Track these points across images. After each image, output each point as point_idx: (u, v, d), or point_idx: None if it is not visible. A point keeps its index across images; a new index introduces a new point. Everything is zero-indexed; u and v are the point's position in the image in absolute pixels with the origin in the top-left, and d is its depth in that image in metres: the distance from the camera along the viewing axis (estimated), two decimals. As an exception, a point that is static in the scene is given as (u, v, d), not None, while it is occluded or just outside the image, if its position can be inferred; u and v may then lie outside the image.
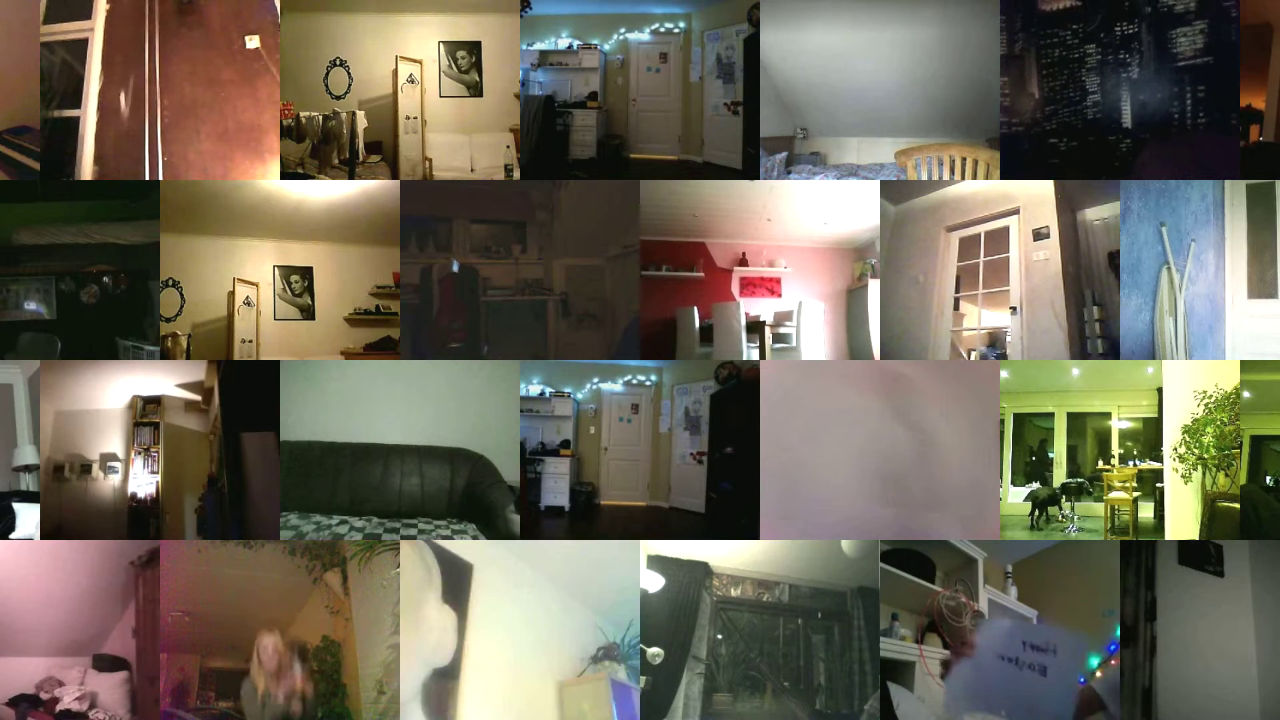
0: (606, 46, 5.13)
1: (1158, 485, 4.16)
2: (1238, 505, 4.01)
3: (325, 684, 3.93)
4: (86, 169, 4.01)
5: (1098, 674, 4.47)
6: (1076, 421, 4.56)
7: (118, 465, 4.30)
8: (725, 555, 4.22)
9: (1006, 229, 4.51)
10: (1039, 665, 3.86)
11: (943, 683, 4.04)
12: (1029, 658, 3.88)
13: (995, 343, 4.55)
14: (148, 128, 4.00)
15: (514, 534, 4.19)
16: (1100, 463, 4.40)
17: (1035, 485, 4.46)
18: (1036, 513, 4.41)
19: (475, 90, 4.71)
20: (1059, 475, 4.51)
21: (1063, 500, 4.42)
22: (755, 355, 4.77)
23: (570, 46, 5.07)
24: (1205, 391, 4.05)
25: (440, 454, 4.67)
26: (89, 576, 4.13)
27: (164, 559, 3.99)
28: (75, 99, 4.04)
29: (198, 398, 4.35)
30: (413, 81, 4.68)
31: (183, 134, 4.08)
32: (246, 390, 4.15)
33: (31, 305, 4.28)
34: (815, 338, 4.97)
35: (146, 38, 4.00)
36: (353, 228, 4.44)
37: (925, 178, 4.41)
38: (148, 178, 4.03)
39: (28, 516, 4.04)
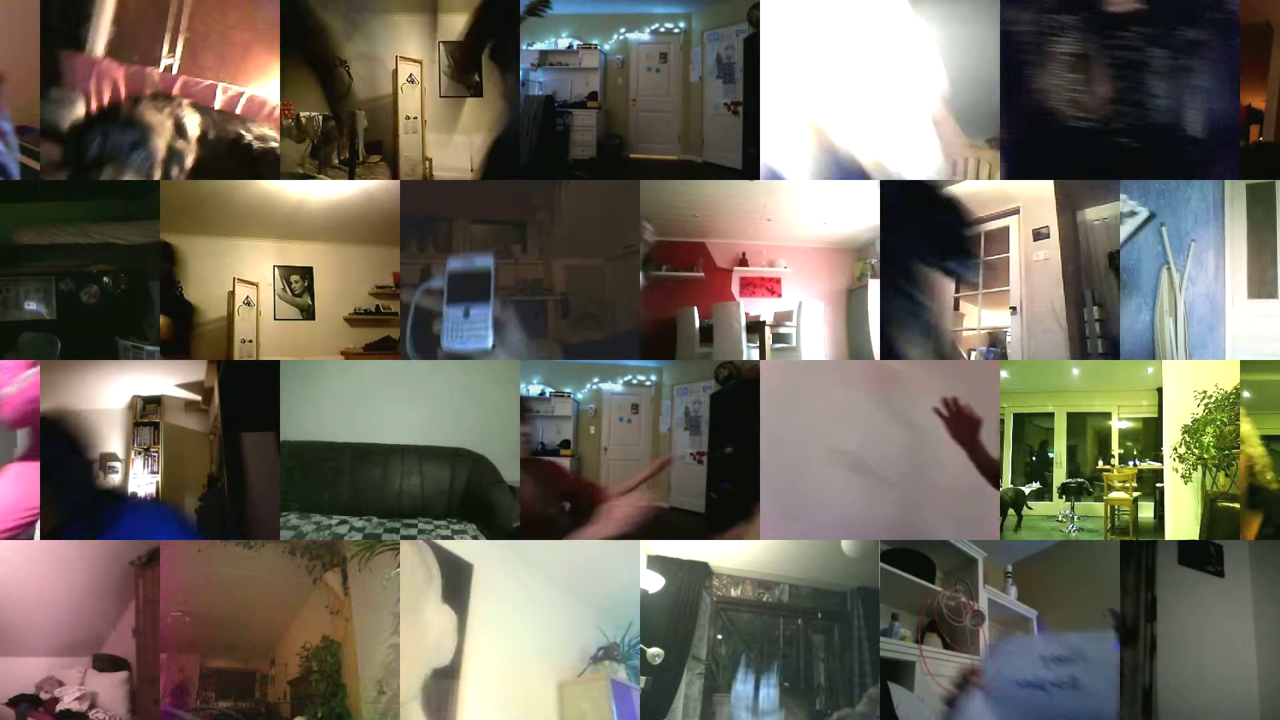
0: (606, 46, 5.13)
1: (1158, 485, 4.16)
2: (1238, 505, 4.01)
3: (325, 684, 3.93)
4: (103, 32, 3.94)
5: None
6: (1076, 421, 4.56)
7: (118, 465, 4.30)
8: (725, 555, 4.22)
9: (1006, 229, 4.51)
10: (1068, 680, 3.59)
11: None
12: (1055, 674, 3.62)
13: (995, 343, 4.55)
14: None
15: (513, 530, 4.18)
16: (1100, 463, 4.40)
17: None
18: (1012, 512, 4.40)
19: (475, 90, 4.71)
20: (1059, 475, 4.51)
21: (1028, 497, 4.41)
22: (755, 355, 4.77)
23: (570, 46, 5.07)
24: (1205, 391, 4.05)
25: (440, 454, 4.67)
26: (89, 576, 4.13)
27: (164, 559, 3.99)
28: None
29: (198, 398, 4.35)
30: (413, 81, 4.68)
31: (209, 17, 4.06)
32: (246, 390, 4.15)
33: (31, 305, 4.28)
34: (815, 338, 4.96)
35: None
36: (353, 228, 4.44)
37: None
38: (165, 51, 3.98)
39: (28, 516, 4.05)
